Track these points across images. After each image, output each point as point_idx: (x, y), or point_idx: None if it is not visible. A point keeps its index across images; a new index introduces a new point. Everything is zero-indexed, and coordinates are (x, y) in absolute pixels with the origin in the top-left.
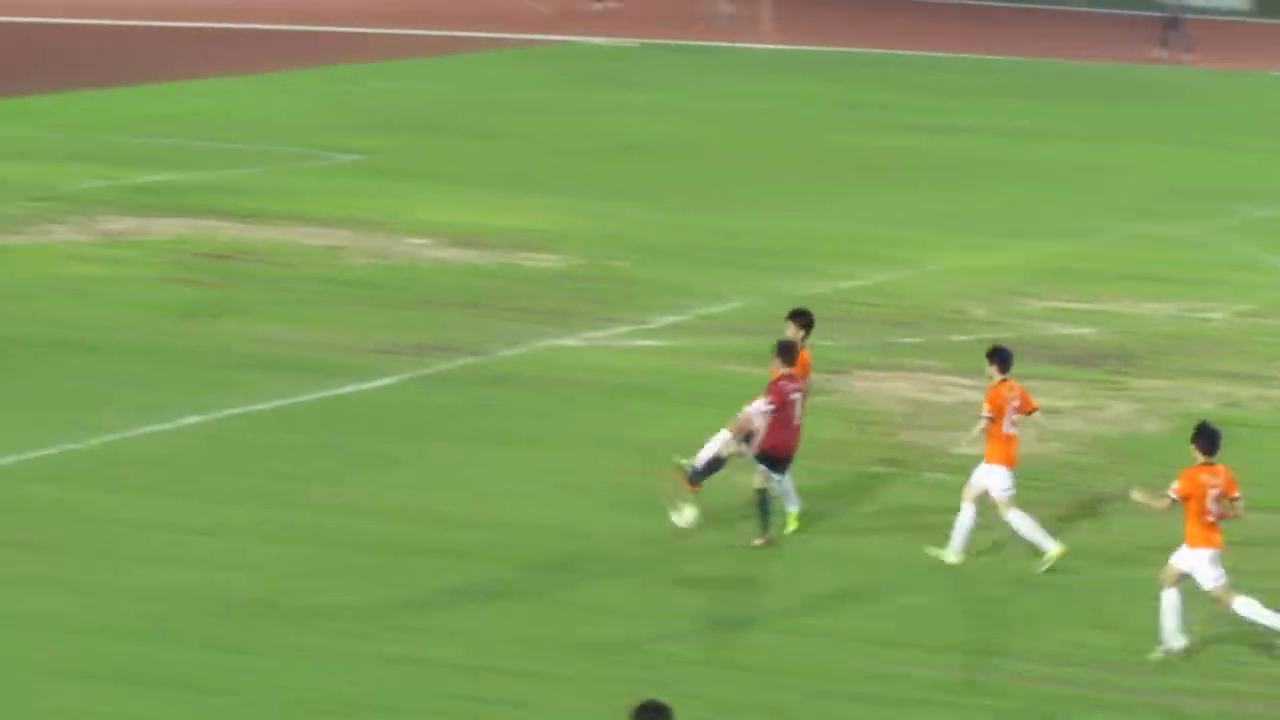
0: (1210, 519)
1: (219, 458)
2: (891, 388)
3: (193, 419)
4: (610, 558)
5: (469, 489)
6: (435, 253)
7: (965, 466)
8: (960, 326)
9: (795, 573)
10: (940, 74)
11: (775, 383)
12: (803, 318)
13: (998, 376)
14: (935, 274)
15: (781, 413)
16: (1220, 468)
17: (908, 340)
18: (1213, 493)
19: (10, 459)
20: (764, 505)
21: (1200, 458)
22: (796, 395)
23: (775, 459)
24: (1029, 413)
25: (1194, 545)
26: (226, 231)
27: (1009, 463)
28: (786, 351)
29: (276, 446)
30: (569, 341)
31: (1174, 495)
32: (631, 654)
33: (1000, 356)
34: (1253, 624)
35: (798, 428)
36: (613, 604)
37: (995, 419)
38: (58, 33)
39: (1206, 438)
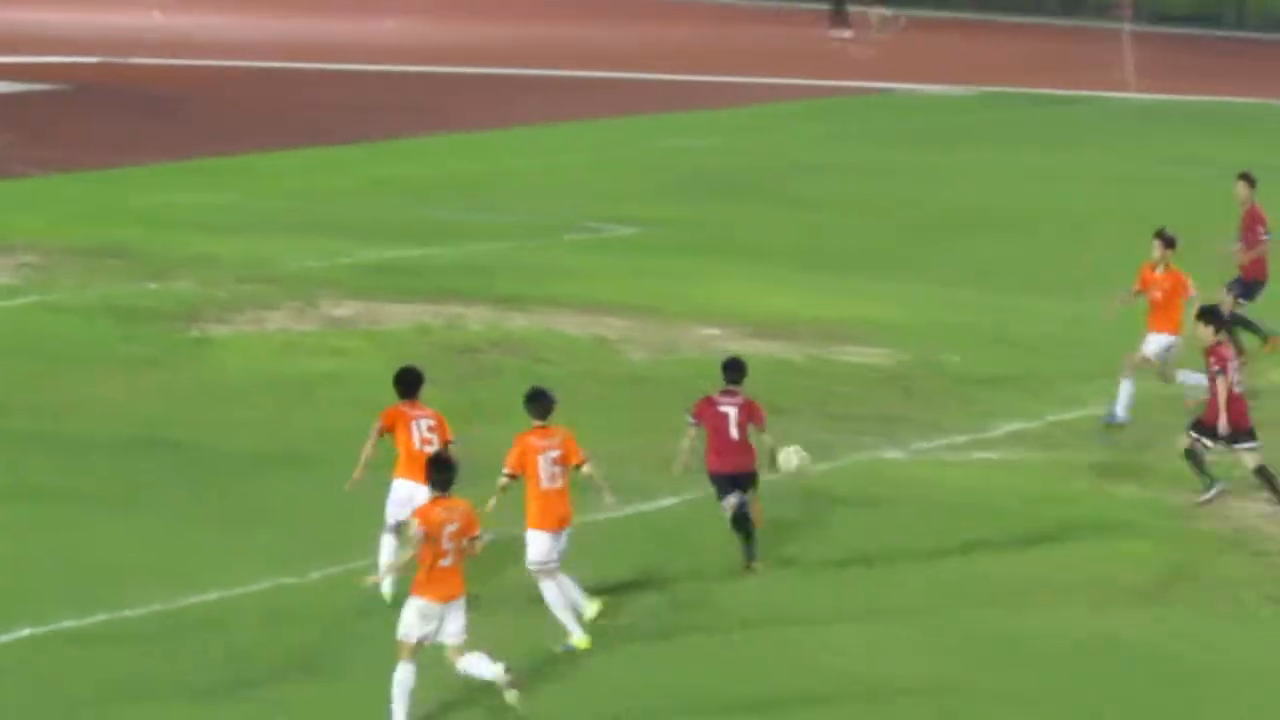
0: (446, 561)
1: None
2: None
3: None
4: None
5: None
6: (730, 345)
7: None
8: None
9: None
10: None
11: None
12: None
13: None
14: None
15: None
16: (457, 501)
17: None
18: (449, 529)
19: (214, 594)
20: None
21: (436, 491)
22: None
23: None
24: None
25: (421, 594)
26: (476, 319)
27: None
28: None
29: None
30: (893, 454)
31: (418, 532)
32: None
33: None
34: (478, 677)
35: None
36: None
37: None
38: (275, 81)
39: (435, 467)
